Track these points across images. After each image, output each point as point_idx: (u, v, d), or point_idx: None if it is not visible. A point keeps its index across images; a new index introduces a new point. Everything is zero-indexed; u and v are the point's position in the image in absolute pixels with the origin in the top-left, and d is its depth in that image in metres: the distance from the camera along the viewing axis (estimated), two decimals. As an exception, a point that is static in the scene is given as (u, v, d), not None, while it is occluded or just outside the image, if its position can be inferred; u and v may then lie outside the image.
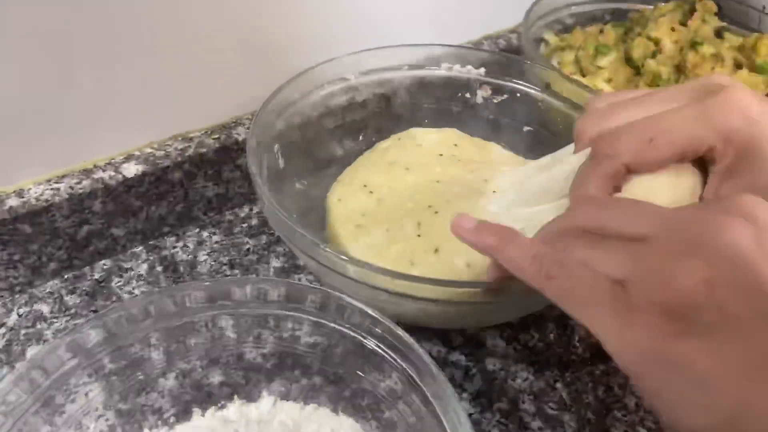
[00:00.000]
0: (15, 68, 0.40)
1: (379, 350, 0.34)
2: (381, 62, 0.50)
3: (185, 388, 0.36)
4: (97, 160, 0.47)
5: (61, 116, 0.43)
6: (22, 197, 0.43)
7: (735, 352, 0.22)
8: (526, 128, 0.53)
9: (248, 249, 0.50)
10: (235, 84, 0.51)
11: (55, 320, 0.44)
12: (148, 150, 0.48)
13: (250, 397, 0.37)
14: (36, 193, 0.44)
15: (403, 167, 0.47)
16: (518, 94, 0.52)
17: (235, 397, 0.37)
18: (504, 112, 0.53)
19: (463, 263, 0.39)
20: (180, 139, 0.50)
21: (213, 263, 0.49)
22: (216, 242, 0.50)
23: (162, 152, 0.48)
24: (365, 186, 0.46)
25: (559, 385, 0.42)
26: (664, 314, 0.23)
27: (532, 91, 0.52)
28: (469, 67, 0.52)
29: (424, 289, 0.34)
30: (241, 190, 0.53)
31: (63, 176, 0.45)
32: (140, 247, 0.50)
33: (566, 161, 0.37)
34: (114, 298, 0.46)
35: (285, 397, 0.37)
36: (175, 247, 0.50)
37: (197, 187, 0.50)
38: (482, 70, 0.52)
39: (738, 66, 0.59)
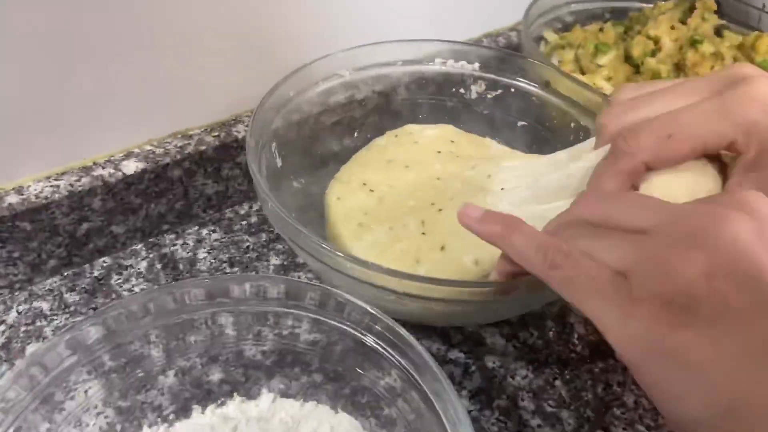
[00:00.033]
0: (15, 65, 0.40)
1: (379, 347, 0.34)
2: (375, 58, 0.50)
3: (185, 386, 0.36)
4: (97, 157, 0.47)
5: (60, 113, 0.43)
6: (22, 194, 0.43)
7: (734, 343, 0.23)
8: (520, 123, 0.53)
9: (248, 246, 0.50)
10: (235, 81, 0.51)
11: (54, 318, 0.44)
12: (148, 147, 0.48)
13: (250, 395, 0.37)
14: (36, 190, 0.44)
15: (401, 165, 0.47)
16: (513, 90, 0.52)
17: (235, 394, 0.37)
18: (499, 108, 0.53)
19: (471, 261, 0.39)
20: (179, 136, 0.50)
21: (213, 261, 0.49)
22: (215, 240, 0.50)
23: (161, 150, 0.48)
24: (365, 184, 0.46)
25: (558, 382, 0.42)
26: (665, 305, 0.24)
27: (527, 87, 0.52)
28: (463, 62, 0.52)
29: (432, 288, 0.34)
30: (241, 187, 0.53)
31: (63, 173, 0.45)
32: (140, 245, 0.50)
33: (585, 158, 0.36)
34: (113, 296, 0.46)
35: (285, 394, 0.37)
36: (174, 245, 0.50)
37: (197, 184, 0.50)
38: (476, 65, 0.52)
39: (738, 64, 0.59)
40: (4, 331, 0.43)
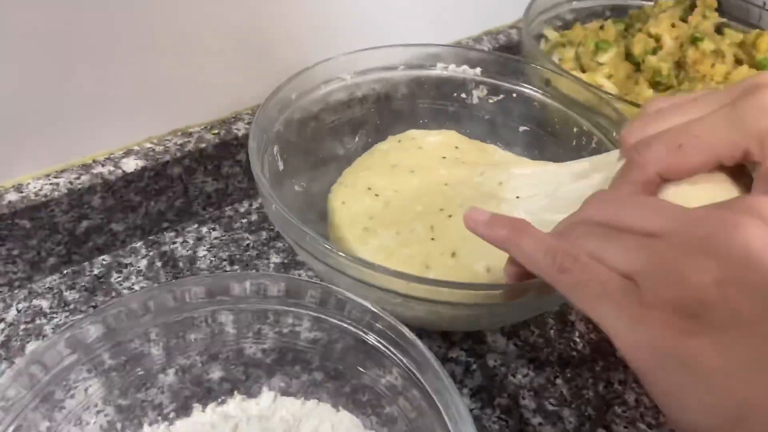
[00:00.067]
0: (15, 64, 0.40)
1: (380, 345, 0.34)
2: (377, 62, 0.50)
3: (185, 384, 0.36)
4: (97, 155, 0.47)
5: (60, 111, 0.43)
6: (21, 192, 0.43)
7: (744, 351, 0.22)
8: (522, 128, 0.53)
9: (248, 244, 0.50)
10: (235, 79, 0.51)
11: (54, 316, 0.44)
12: (148, 145, 0.48)
13: (251, 393, 0.37)
14: (35, 188, 0.44)
15: (406, 170, 0.47)
16: (514, 94, 0.52)
17: (236, 392, 0.37)
18: (500, 112, 0.53)
19: (483, 267, 0.39)
20: (179, 134, 0.50)
21: (212, 259, 0.48)
22: (215, 238, 0.50)
23: (161, 147, 0.48)
24: (369, 189, 0.46)
25: (559, 381, 0.42)
26: (675, 312, 0.23)
27: (529, 91, 0.52)
28: (465, 67, 0.52)
29: (441, 292, 0.34)
30: (241, 185, 0.53)
31: (62, 171, 0.45)
32: (139, 243, 0.49)
33: (607, 170, 0.36)
34: (113, 294, 0.46)
35: (285, 392, 0.37)
36: (174, 243, 0.50)
37: (197, 182, 0.50)
38: (478, 69, 0.52)
39: (738, 62, 0.59)
40: (3, 329, 0.43)
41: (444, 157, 0.48)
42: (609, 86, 0.58)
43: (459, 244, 0.40)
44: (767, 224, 0.24)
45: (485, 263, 0.39)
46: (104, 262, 0.48)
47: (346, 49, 0.49)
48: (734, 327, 0.23)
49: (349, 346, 0.35)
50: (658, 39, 0.60)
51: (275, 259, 0.49)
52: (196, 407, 0.36)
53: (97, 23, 0.41)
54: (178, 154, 0.48)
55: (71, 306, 0.44)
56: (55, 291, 0.45)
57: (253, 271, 0.48)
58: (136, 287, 0.46)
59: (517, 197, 0.41)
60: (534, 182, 0.42)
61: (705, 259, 0.24)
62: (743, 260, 0.23)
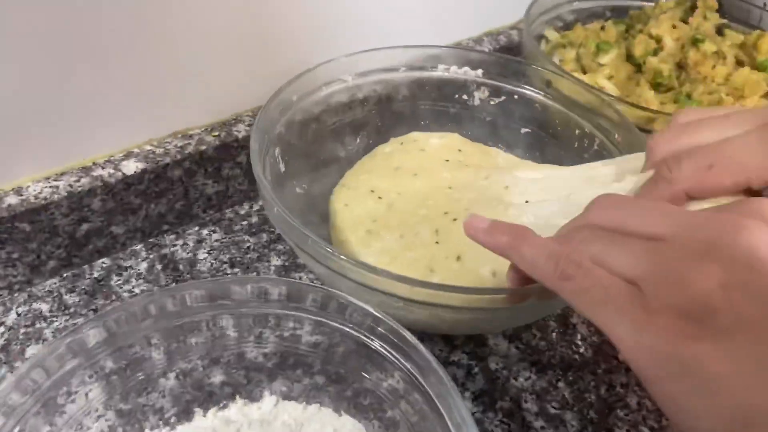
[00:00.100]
0: (15, 65, 0.39)
1: (382, 349, 0.34)
2: (378, 63, 0.50)
3: (186, 388, 0.36)
4: (97, 157, 0.47)
5: (60, 113, 0.43)
6: (21, 195, 0.43)
7: (748, 356, 0.22)
8: (524, 130, 0.53)
9: (248, 247, 0.50)
10: (235, 81, 0.51)
11: (54, 319, 0.44)
12: (148, 147, 0.48)
13: (252, 397, 0.37)
14: (35, 190, 0.44)
15: (409, 173, 0.47)
16: (516, 96, 0.52)
17: (237, 397, 0.36)
18: (502, 114, 0.53)
19: (489, 272, 0.39)
20: (180, 136, 0.50)
21: (213, 261, 0.48)
22: (216, 240, 0.50)
23: (162, 149, 0.48)
24: (372, 191, 0.45)
25: (561, 384, 0.42)
26: (680, 317, 0.23)
27: (530, 93, 0.52)
28: (466, 68, 0.52)
29: (444, 296, 0.34)
30: (242, 187, 0.53)
31: (62, 174, 0.45)
32: (140, 246, 0.49)
33: (629, 180, 0.35)
34: (113, 297, 0.45)
35: (287, 396, 0.37)
36: (174, 246, 0.50)
37: (197, 184, 0.50)
38: (479, 71, 0.52)
39: (739, 63, 0.59)
40: (3, 333, 0.42)
41: (447, 160, 0.48)
42: (610, 87, 0.58)
43: (464, 248, 0.40)
44: None
45: (491, 267, 0.39)
46: (104, 265, 0.48)
47: (346, 50, 0.48)
48: (739, 331, 0.22)
49: (351, 350, 0.35)
50: (659, 40, 0.60)
51: (276, 261, 0.49)
52: (198, 412, 0.36)
53: (97, 24, 0.41)
54: (179, 156, 0.48)
55: (71, 309, 0.44)
56: (55, 294, 0.45)
57: (254, 274, 0.48)
58: (137, 290, 0.46)
59: (527, 201, 0.41)
60: (542, 186, 0.41)
61: (709, 263, 0.23)
62: (748, 264, 0.23)
